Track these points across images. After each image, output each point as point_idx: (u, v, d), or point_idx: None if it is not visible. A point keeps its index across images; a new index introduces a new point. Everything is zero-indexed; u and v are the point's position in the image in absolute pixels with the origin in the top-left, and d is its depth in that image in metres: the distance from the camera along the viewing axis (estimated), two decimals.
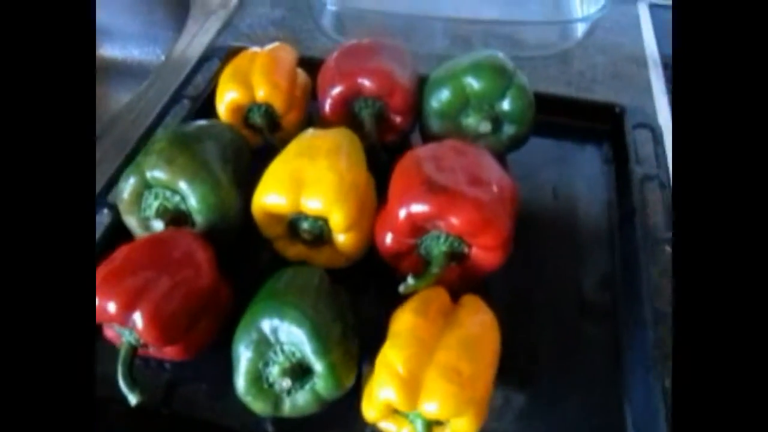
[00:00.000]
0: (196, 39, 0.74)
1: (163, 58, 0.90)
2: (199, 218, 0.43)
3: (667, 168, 0.54)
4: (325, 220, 0.43)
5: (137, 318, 0.35)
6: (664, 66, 0.73)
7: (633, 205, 0.51)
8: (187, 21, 0.79)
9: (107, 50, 0.91)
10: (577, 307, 0.47)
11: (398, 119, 0.53)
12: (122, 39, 0.90)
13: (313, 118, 0.57)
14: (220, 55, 0.64)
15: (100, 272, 0.37)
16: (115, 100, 0.89)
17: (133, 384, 0.36)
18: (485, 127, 0.50)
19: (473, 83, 0.49)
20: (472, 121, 0.51)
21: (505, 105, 0.50)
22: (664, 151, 0.56)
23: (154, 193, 0.43)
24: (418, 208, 0.39)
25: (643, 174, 0.53)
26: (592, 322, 0.46)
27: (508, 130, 0.51)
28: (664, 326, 0.43)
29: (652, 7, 0.81)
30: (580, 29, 0.71)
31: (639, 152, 0.56)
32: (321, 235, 0.44)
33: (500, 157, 0.53)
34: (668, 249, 0.49)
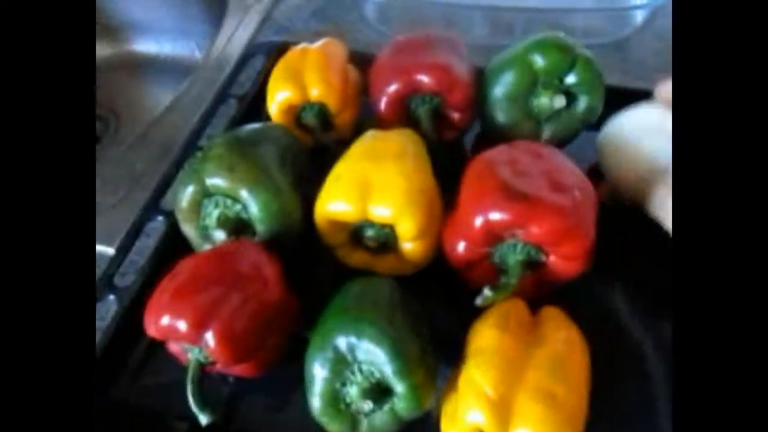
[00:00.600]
0: (235, 34, 0.72)
1: (197, 53, 0.88)
2: (260, 227, 0.41)
3: None
4: (392, 228, 0.41)
5: (209, 337, 0.34)
6: None
7: None
8: (224, 15, 0.77)
9: (140, 45, 0.90)
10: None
11: (456, 116, 0.50)
12: (155, 34, 0.88)
13: (362, 116, 0.54)
14: (263, 51, 0.62)
15: (167, 287, 0.35)
16: (151, 98, 0.88)
17: (204, 403, 0.35)
18: (560, 101, 0.47)
19: (538, 60, 0.46)
20: (544, 99, 0.47)
21: (574, 78, 0.47)
22: None
23: (215, 202, 0.42)
24: (497, 216, 0.37)
25: None
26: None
27: (581, 102, 0.48)
28: None
29: None
30: (640, 15, 0.67)
31: None
32: (386, 243, 0.42)
33: (572, 138, 0.50)
34: None
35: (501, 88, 0.48)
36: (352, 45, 0.66)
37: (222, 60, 0.68)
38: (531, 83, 0.47)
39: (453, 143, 0.53)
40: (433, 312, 0.45)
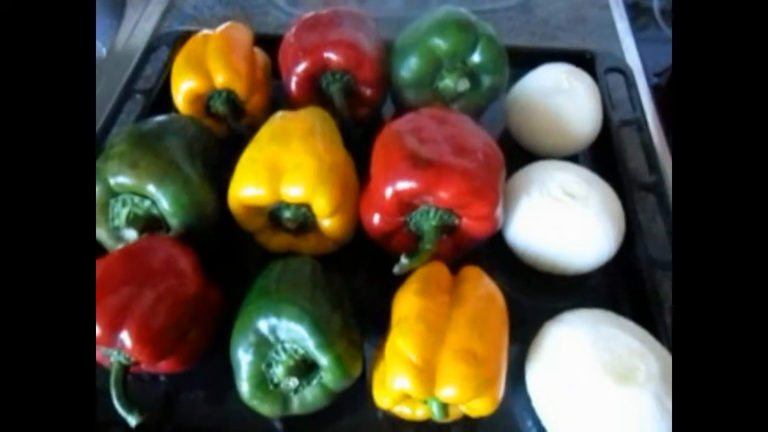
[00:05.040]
0: (138, 26, 0.69)
1: (104, 50, 0.84)
2: (173, 221, 0.40)
3: (643, 110, 0.54)
4: (308, 207, 0.41)
5: (125, 337, 0.33)
6: (626, 5, 0.72)
7: (614, 151, 0.51)
8: (125, 7, 0.73)
9: None
10: None
11: (368, 91, 0.51)
12: None
13: (277, 99, 0.54)
14: (168, 41, 0.59)
15: None
16: None
17: (130, 405, 0.34)
18: (464, 84, 0.48)
19: (441, 44, 0.47)
20: (448, 82, 0.49)
21: (477, 58, 0.48)
22: (637, 94, 0.56)
23: (122, 201, 0.40)
24: (405, 185, 0.37)
25: (620, 119, 0.53)
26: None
27: (486, 81, 0.49)
28: (657, 270, 0.44)
29: None
30: None
31: (613, 97, 0.55)
32: (305, 222, 0.42)
33: (481, 113, 0.52)
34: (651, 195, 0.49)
35: (407, 71, 0.48)
36: (260, 28, 0.64)
37: (126, 54, 0.65)
38: (435, 67, 0.48)
39: (372, 118, 0.54)
40: (361, 284, 0.46)
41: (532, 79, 0.52)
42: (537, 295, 0.44)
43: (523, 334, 0.39)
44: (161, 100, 0.53)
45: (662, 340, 0.38)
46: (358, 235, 0.44)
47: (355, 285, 0.44)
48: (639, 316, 0.41)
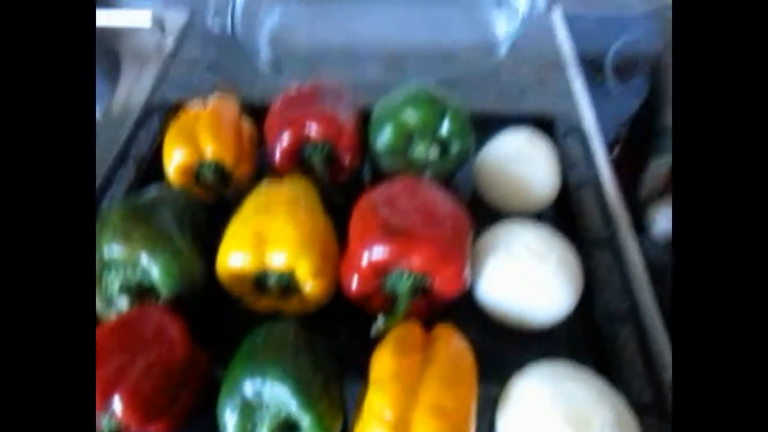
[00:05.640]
0: (132, 93, 0.73)
1: (99, 115, 0.88)
2: (164, 289, 0.43)
3: (598, 169, 0.59)
4: (291, 272, 0.44)
5: (116, 403, 0.35)
6: (582, 65, 0.79)
7: (573, 209, 0.55)
8: (120, 72, 0.78)
9: None
10: None
11: (348, 159, 0.55)
12: None
13: (263, 166, 0.57)
14: (160, 110, 0.63)
15: None
16: None
17: None
18: (434, 153, 0.53)
19: (412, 117, 0.52)
20: (420, 150, 0.53)
21: (445, 128, 0.53)
22: (592, 154, 0.61)
23: (115, 270, 0.43)
24: (379, 252, 0.41)
25: (577, 179, 0.58)
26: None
27: (454, 149, 0.54)
28: (614, 321, 0.47)
29: (567, 17, 0.87)
30: (505, 45, 0.76)
31: (572, 156, 0.60)
32: (288, 286, 0.45)
33: (451, 178, 0.56)
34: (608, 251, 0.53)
35: (382, 141, 0.53)
36: (247, 95, 0.69)
37: (120, 120, 0.69)
38: (408, 137, 0.53)
39: (353, 183, 0.58)
40: (342, 343, 0.49)
41: (496, 145, 0.57)
42: (506, 348, 0.47)
43: (494, 386, 0.42)
44: (152, 167, 0.57)
45: (619, 386, 0.41)
46: (339, 295, 0.47)
47: (337, 343, 0.47)
48: (598, 364, 0.44)
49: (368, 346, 0.42)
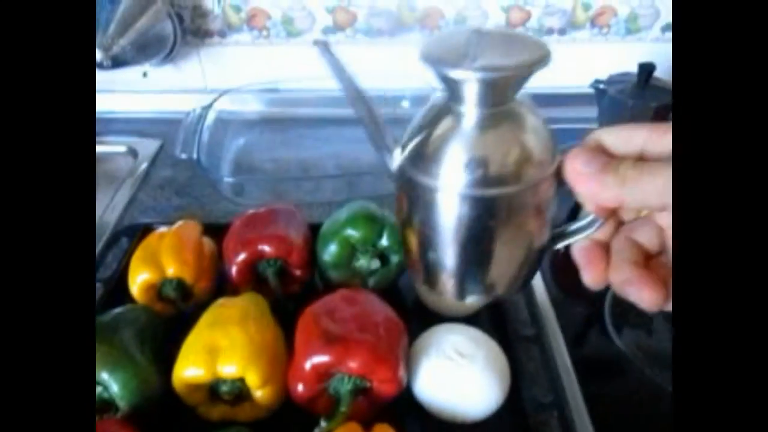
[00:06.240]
0: (104, 215, 0.80)
1: None
2: (122, 403, 0.46)
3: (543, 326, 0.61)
4: (242, 380, 0.48)
5: None
6: None
7: (503, 309, 0.62)
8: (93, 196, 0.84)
9: None
10: None
11: (298, 272, 0.61)
12: None
13: (222, 281, 0.63)
14: (128, 233, 0.70)
15: None
16: None
17: None
18: (375, 264, 0.60)
19: (354, 234, 0.60)
20: (363, 262, 0.60)
21: (384, 241, 0.60)
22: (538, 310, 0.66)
23: None
24: (319, 358, 0.46)
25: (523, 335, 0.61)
26: None
27: (393, 260, 0.61)
28: (543, 411, 0.52)
29: None
30: None
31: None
32: (240, 394, 0.49)
33: (392, 285, 0.63)
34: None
35: (328, 256, 0.60)
36: (211, 215, 0.76)
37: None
38: (351, 251, 0.60)
39: (305, 292, 0.63)
40: None
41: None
42: None
43: None
44: (119, 287, 0.62)
45: None
46: (290, 402, 0.50)
47: None
48: None
49: None
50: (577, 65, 0.97)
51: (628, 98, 0.80)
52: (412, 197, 0.32)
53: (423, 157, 0.30)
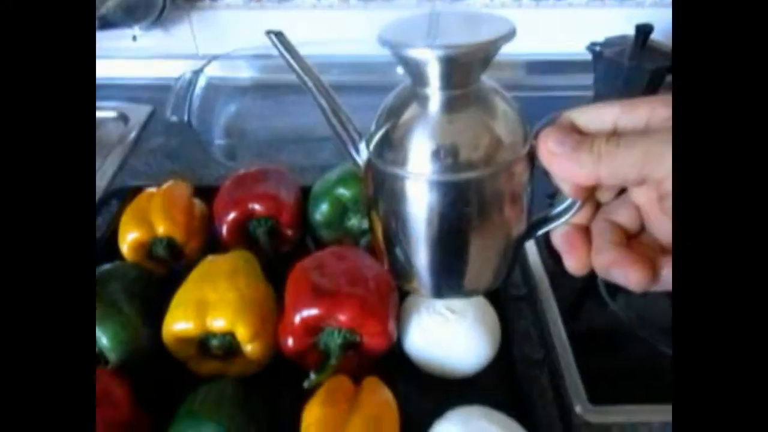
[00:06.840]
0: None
1: None
2: (111, 355, 0.47)
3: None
4: (232, 335, 0.48)
5: None
6: None
7: None
8: None
9: None
10: None
11: (289, 232, 0.61)
12: None
13: (214, 241, 0.63)
14: (119, 196, 0.69)
15: None
16: None
17: None
18: (365, 224, 0.60)
19: (345, 193, 0.59)
20: (354, 222, 0.60)
21: None
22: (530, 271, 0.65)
23: None
24: (309, 311, 0.46)
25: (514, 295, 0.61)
26: None
27: None
28: (532, 367, 0.53)
29: None
30: None
31: None
32: (230, 349, 0.49)
33: None
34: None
35: (320, 215, 0.60)
36: (203, 179, 0.76)
37: None
38: (342, 211, 0.60)
39: (295, 252, 0.63)
40: (286, 402, 0.52)
41: None
42: (431, 396, 0.51)
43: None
44: (109, 247, 0.61)
45: (531, 429, 0.45)
46: (281, 356, 0.51)
47: (279, 399, 0.50)
48: (516, 409, 0.49)
49: (305, 400, 0.45)
50: (574, 31, 0.96)
51: (624, 60, 0.78)
52: (381, 190, 0.30)
53: (390, 146, 0.28)
